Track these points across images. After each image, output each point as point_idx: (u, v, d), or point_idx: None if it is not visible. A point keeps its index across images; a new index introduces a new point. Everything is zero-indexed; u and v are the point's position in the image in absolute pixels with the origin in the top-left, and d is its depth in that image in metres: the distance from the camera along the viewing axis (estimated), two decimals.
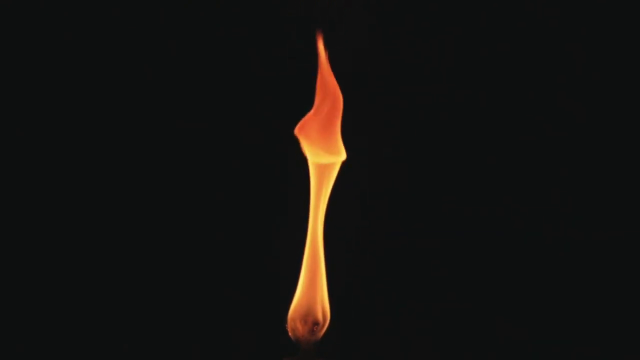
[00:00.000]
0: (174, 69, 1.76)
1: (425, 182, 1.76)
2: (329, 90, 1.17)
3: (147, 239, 1.75)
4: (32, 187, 1.75)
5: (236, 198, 1.76)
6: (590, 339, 1.73)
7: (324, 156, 1.14)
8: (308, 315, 1.09)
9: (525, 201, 1.76)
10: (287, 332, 1.09)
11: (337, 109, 1.16)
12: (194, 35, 1.76)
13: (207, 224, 1.76)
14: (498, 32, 1.75)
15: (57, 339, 1.73)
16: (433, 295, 1.75)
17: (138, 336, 1.73)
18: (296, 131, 1.14)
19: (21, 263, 1.74)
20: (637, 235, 1.73)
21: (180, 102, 1.76)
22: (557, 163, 1.75)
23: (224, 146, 1.76)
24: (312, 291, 1.10)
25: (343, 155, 1.14)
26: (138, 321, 1.74)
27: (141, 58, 1.76)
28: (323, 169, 1.14)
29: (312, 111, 1.16)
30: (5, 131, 1.75)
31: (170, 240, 1.75)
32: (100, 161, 1.76)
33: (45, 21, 1.75)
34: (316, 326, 1.08)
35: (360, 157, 1.40)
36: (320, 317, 1.09)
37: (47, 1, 1.75)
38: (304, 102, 1.17)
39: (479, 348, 1.74)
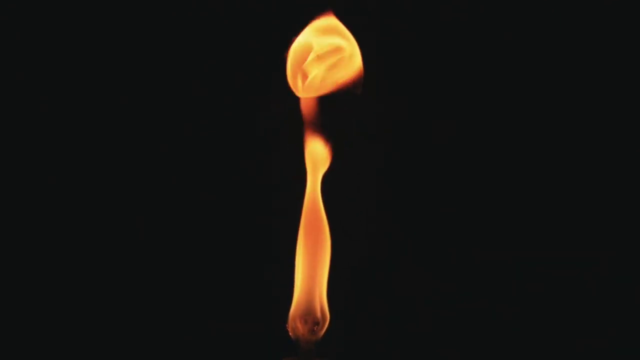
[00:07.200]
0: (173, 68, 1.76)
1: (425, 183, 1.76)
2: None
3: (147, 240, 1.76)
4: (32, 187, 1.75)
5: (236, 198, 1.76)
6: None
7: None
8: (308, 315, 1.09)
9: (528, 206, 1.76)
10: (287, 332, 1.09)
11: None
12: (193, 35, 1.76)
13: (207, 224, 1.76)
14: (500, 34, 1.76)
15: (57, 338, 1.73)
16: (433, 295, 1.75)
17: (138, 336, 1.74)
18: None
19: (19, 263, 1.75)
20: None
21: (179, 102, 1.77)
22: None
23: (223, 147, 1.76)
24: (311, 291, 1.10)
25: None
26: (138, 321, 1.74)
27: (141, 58, 1.76)
28: (317, 160, 1.13)
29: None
30: (6, 131, 1.75)
31: (170, 240, 1.76)
32: (99, 162, 1.76)
33: (45, 21, 1.75)
34: (316, 326, 1.09)
35: (359, 157, 1.40)
36: (320, 317, 1.09)
37: (47, 1, 1.75)
38: (302, 103, 1.17)
39: (479, 348, 1.74)
